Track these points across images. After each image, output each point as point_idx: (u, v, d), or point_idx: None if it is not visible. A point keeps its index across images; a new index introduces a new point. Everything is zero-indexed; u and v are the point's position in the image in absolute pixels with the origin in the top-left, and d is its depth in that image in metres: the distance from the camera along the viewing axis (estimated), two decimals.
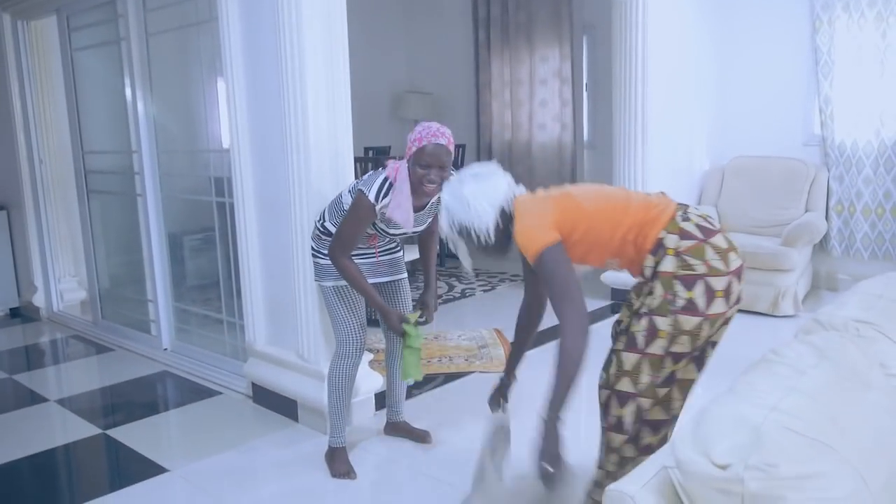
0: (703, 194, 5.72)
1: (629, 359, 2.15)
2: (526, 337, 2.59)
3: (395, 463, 3.13)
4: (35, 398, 4.11)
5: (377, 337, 4.47)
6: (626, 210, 2.21)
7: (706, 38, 5.59)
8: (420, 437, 3.26)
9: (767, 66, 5.63)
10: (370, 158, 5.27)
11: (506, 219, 2.25)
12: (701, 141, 5.75)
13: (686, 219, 2.15)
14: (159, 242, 4.60)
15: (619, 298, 5.19)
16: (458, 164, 7.10)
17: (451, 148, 2.72)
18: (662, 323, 2.08)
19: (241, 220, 3.69)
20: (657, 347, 2.10)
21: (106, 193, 5.16)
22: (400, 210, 2.75)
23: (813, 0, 5.25)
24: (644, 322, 2.12)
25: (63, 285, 5.82)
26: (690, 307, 2.05)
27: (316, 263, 3.00)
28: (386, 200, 2.74)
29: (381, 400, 3.58)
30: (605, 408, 2.25)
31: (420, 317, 2.99)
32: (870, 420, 1.44)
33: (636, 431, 2.25)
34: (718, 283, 2.06)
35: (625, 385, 2.16)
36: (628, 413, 2.18)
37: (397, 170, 2.76)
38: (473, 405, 3.66)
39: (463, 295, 5.92)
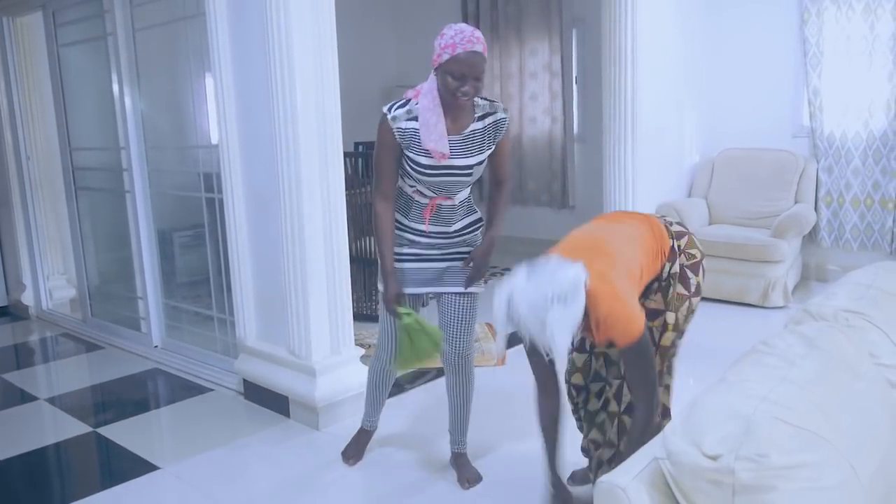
0: (693, 186, 5.73)
1: None
2: (557, 432, 2.42)
3: (388, 458, 3.12)
4: (25, 397, 4.08)
5: (368, 332, 4.46)
6: (651, 238, 2.30)
7: (695, 31, 5.59)
8: (461, 480, 2.85)
9: (756, 58, 5.63)
10: (360, 153, 5.24)
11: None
12: (690, 133, 5.75)
13: (668, 224, 2.41)
14: (148, 239, 4.57)
15: None
16: None
17: (486, 55, 2.41)
18: (671, 317, 2.32)
19: (231, 216, 3.67)
20: (667, 339, 2.33)
21: (94, 190, 5.13)
22: (428, 128, 2.41)
23: None
24: (658, 319, 2.33)
25: (52, 283, 5.78)
26: (698, 290, 2.36)
27: None
28: (401, 112, 2.46)
29: None
30: (616, 396, 2.41)
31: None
32: (859, 409, 1.44)
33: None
34: (705, 263, 2.41)
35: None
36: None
37: (417, 92, 2.48)
38: None
39: None
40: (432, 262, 2.67)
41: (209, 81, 3.86)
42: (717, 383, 1.44)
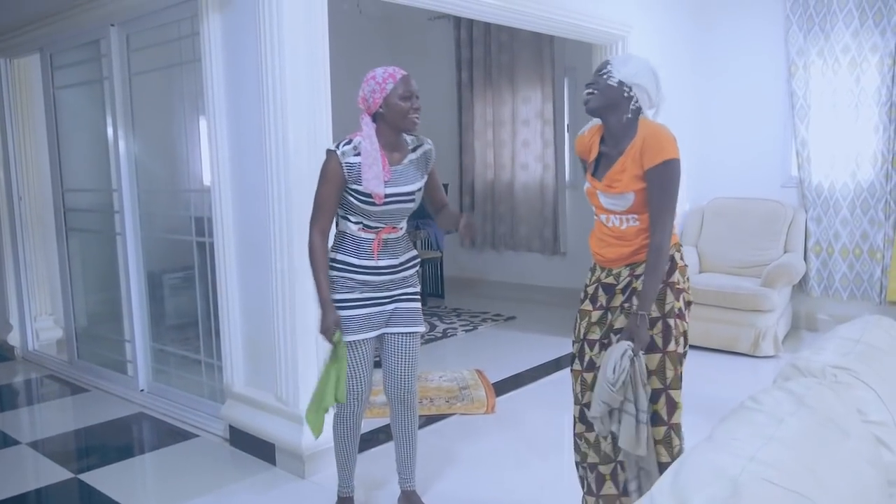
0: (683, 235, 5.77)
1: (652, 360, 2.41)
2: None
3: None
4: (7, 441, 4.01)
5: None
6: None
7: (684, 81, 5.68)
8: None
9: (745, 109, 5.72)
10: None
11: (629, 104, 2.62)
12: (681, 182, 5.80)
13: (679, 244, 2.56)
14: (138, 282, 4.55)
15: None
16: None
17: None
18: (673, 323, 2.43)
19: (221, 260, 3.67)
20: (672, 345, 2.42)
21: (85, 232, 5.12)
22: (369, 169, 2.55)
23: (788, 45, 5.37)
24: (659, 325, 2.42)
25: (39, 324, 5.73)
26: (680, 314, 2.45)
27: None
28: (348, 148, 2.59)
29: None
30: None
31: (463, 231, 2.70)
32: (848, 469, 1.43)
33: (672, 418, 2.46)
34: (689, 297, 2.53)
35: (654, 384, 2.41)
36: (662, 405, 2.42)
37: (355, 134, 2.63)
38: (456, 448, 3.62)
39: (444, 335, 5.90)
40: (382, 306, 2.74)
41: (203, 126, 3.89)
42: (704, 441, 1.43)
